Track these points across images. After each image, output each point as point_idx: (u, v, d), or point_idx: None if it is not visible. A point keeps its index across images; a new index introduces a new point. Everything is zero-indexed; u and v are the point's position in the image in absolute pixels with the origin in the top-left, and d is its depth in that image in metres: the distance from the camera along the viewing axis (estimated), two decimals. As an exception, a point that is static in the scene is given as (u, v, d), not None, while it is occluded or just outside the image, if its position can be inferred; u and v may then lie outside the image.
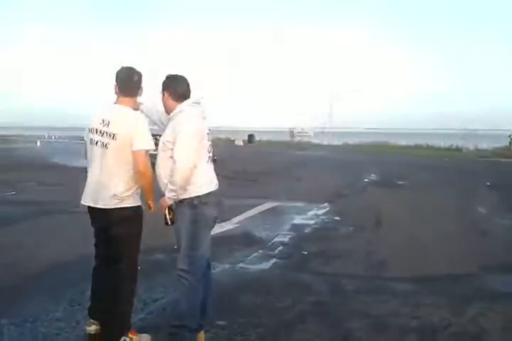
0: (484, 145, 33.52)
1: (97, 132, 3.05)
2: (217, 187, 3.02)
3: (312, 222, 7.37)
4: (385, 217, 7.76)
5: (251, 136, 41.86)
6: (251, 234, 6.27)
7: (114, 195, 2.99)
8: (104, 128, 3.02)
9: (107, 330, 3.15)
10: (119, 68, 3.15)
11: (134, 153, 2.97)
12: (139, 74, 3.16)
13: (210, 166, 3.02)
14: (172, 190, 2.86)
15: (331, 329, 3.37)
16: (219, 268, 4.74)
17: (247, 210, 7.91)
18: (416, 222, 7.40)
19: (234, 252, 5.37)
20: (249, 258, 5.17)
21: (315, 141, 39.02)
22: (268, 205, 8.54)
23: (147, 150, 3.00)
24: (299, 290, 4.14)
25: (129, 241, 3.06)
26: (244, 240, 5.94)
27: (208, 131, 3.03)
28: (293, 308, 3.73)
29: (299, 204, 8.95)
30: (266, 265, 4.94)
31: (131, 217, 3.06)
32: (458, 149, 31.70)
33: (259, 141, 42.41)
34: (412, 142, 35.41)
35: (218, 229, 6.49)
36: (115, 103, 3.15)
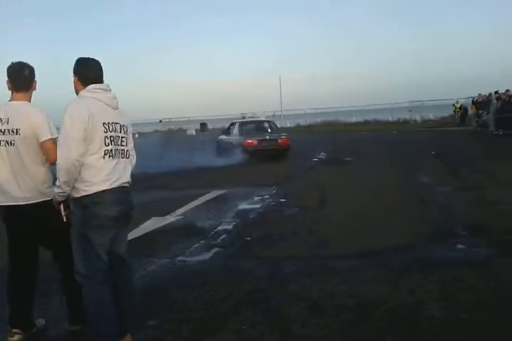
0: (431, 115, 34.47)
1: None
2: (119, 184, 2.72)
3: (258, 206, 7.25)
4: (330, 194, 7.74)
5: (203, 125, 41.20)
6: (193, 225, 6.07)
7: (36, 188, 2.93)
8: (5, 126, 2.91)
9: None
10: (9, 64, 3.05)
11: (42, 144, 2.92)
12: (30, 68, 3.07)
13: (111, 161, 2.69)
14: (57, 186, 2.63)
15: (266, 316, 3.25)
16: (156, 264, 4.55)
17: (192, 200, 7.71)
18: (359, 196, 7.42)
19: (174, 245, 5.16)
20: (190, 250, 4.98)
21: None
22: (213, 194, 8.36)
23: (54, 139, 2.91)
24: (237, 279, 4.00)
25: (66, 231, 2.84)
26: (186, 232, 5.74)
27: (115, 121, 2.73)
28: (229, 299, 3.59)
29: (246, 189, 8.80)
30: (206, 255, 4.77)
31: None
32: (405, 122, 32.47)
33: (212, 129, 42.03)
34: (361, 118, 36.01)
35: (161, 222, 6.33)
36: (10, 100, 3.04)
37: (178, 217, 6.58)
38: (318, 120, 38.44)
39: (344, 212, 6.33)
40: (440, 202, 6.72)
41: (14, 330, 3.05)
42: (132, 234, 5.61)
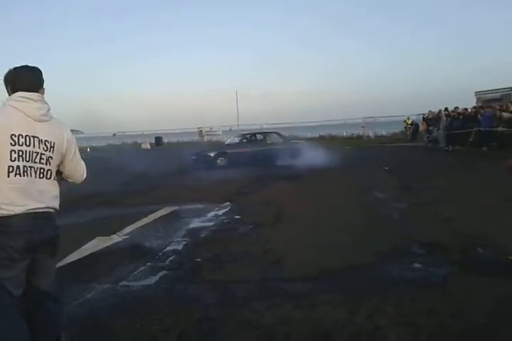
0: (383, 131, 35.33)
1: None
2: (30, 208, 2.36)
3: (211, 223, 6.94)
4: (284, 211, 7.53)
5: (158, 139, 40.74)
6: (140, 245, 5.70)
7: None
8: None
9: None
10: None
11: None
12: None
13: (19, 180, 2.34)
14: None
15: (214, 349, 2.96)
16: (96, 290, 4.16)
17: (141, 218, 7.32)
18: (314, 213, 7.25)
19: (117, 268, 4.78)
20: (134, 273, 4.62)
21: (225, 139, 38.75)
22: (164, 211, 7.98)
23: None
24: (184, 306, 3.68)
25: None
26: (132, 253, 5.36)
27: (32, 135, 2.39)
28: (174, 329, 3.27)
29: (199, 206, 8.48)
30: (152, 280, 4.41)
31: None
32: (359, 137, 33.09)
33: (167, 143, 41.40)
34: (316, 134, 36.47)
35: (105, 242, 5.91)
36: None
37: (124, 237, 6.17)
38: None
39: (299, 230, 6.13)
40: (395, 219, 6.64)
41: None
42: (72, 256, 5.23)
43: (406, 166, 13.56)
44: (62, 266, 4.86)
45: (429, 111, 23.91)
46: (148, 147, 37.39)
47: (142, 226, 6.82)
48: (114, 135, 45.17)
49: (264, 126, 42.74)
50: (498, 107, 17.27)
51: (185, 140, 43.61)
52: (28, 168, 2.37)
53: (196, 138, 41.45)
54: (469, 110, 19.58)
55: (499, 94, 21.80)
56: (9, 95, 2.51)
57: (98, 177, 7.65)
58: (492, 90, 22.89)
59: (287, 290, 3.97)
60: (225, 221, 7.11)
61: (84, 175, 2.76)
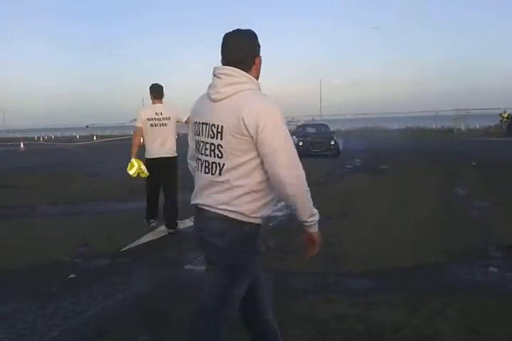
0: (476, 124, 33.14)
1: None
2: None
3: (280, 213, 6.94)
4: (357, 204, 7.35)
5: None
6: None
7: None
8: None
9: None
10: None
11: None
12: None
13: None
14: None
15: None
16: (162, 272, 4.34)
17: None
18: (389, 208, 6.99)
19: (185, 252, 4.96)
20: (200, 257, 4.71)
21: (307, 129, 38.47)
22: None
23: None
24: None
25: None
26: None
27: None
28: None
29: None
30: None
31: None
32: (449, 130, 31.32)
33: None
34: (403, 125, 35.00)
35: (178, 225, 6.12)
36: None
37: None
38: (358, 125, 37.64)
39: (368, 225, 5.95)
40: (474, 219, 6.22)
41: (151, 220, 6.03)
42: (144, 238, 5.48)
43: (496, 162, 12.64)
44: (132, 248, 5.16)
45: (529, 103, 22.01)
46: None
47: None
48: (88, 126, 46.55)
49: (348, 117, 41.91)
50: None
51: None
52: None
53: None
54: None
55: None
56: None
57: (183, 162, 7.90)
58: None
59: (346, 286, 3.88)
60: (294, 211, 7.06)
61: None
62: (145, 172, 5.81)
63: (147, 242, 5.40)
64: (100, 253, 4.96)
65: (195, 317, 2.17)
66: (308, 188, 2.00)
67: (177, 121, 5.80)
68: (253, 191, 1.98)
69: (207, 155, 2.04)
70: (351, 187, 9.11)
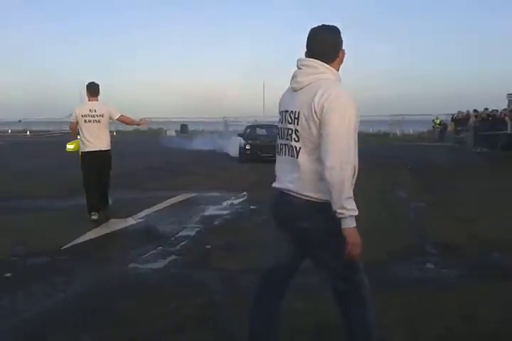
0: (411, 130, 34.72)
1: None
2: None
3: (225, 212, 6.94)
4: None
5: (184, 126, 40.98)
6: (154, 229, 5.73)
7: None
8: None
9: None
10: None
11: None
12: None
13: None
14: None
15: (213, 336, 2.95)
16: (105, 271, 4.20)
17: (158, 203, 7.37)
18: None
19: (129, 250, 4.83)
20: (145, 256, 4.64)
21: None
22: (182, 197, 8.02)
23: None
24: (189, 291, 3.68)
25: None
26: (144, 236, 5.40)
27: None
28: (176, 314, 3.28)
29: (217, 193, 8.49)
30: (161, 263, 4.43)
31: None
32: (385, 134, 32.61)
33: (192, 130, 41.61)
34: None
35: (119, 225, 5.97)
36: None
37: (139, 220, 6.22)
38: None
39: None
40: (412, 219, 6.52)
41: (92, 213, 6.17)
42: (86, 236, 5.30)
43: (430, 166, 13.30)
44: (74, 245, 4.96)
45: (459, 111, 23.37)
46: (174, 134, 37.63)
47: (158, 211, 6.87)
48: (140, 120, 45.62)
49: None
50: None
51: (210, 129, 43.74)
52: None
53: (221, 127, 41.53)
54: (499, 112, 19.07)
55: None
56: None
57: (123, 160, 7.69)
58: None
59: (295, 282, 3.92)
60: (240, 210, 7.09)
61: None
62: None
63: (88, 240, 5.21)
64: (39, 251, 4.72)
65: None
66: (350, 179, 2.04)
67: (110, 118, 6.32)
68: None
69: (287, 140, 2.19)
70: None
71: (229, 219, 6.46)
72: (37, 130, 44.55)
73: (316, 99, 2.02)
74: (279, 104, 2.32)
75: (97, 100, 6.36)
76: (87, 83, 6.36)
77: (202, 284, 3.85)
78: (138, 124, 7.19)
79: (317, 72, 2.13)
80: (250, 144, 14.80)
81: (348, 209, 2.02)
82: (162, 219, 6.30)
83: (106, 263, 4.41)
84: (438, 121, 28.22)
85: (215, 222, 6.24)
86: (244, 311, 3.30)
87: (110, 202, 6.58)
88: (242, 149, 14.94)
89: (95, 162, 6.22)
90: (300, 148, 2.12)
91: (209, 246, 4.98)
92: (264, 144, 14.54)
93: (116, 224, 5.95)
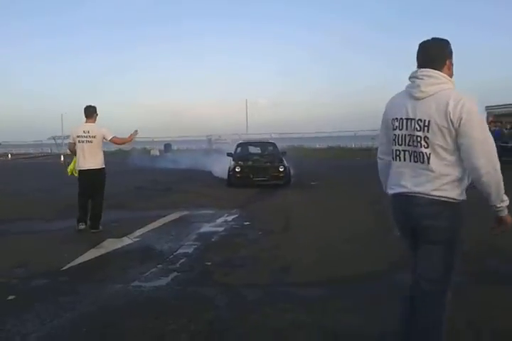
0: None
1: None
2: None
3: (220, 229, 6.98)
4: (294, 218, 7.56)
5: (167, 145, 40.90)
6: (151, 248, 5.73)
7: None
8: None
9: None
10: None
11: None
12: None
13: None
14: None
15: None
16: (108, 290, 4.19)
17: (151, 222, 7.37)
18: (325, 221, 7.27)
19: (129, 269, 4.81)
20: (146, 274, 4.64)
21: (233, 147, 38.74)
22: (174, 215, 8.03)
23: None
24: (195, 308, 3.70)
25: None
26: (143, 255, 5.39)
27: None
28: (186, 330, 3.29)
29: (209, 211, 8.53)
30: (163, 281, 4.43)
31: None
32: (367, 149, 33.04)
33: (176, 149, 41.59)
34: (324, 145, 36.50)
35: (116, 244, 5.95)
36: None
37: (135, 239, 6.21)
38: (284, 145, 38.63)
39: (308, 237, 6.15)
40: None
41: (80, 223, 6.72)
42: (83, 257, 5.28)
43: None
44: (73, 266, 4.94)
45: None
46: (157, 153, 37.54)
47: (153, 230, 6.87)
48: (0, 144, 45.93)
49: (273, 136, 42.90)
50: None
51: (194, 147, 43.78)
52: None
53: (205, 145, 41.57)
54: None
55: (511, 109, 21.69)
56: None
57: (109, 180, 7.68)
58: (503, 105, 22.78)
59: (298, 295, 3.98)
60: (235, 226, 7.14)
61: None
62: (76, 172, 6.89)
63: (87, 261, 5.18)
64: (39, 273, 4.68)
65: (415, 292, 2.50)
66: (501, 176, 2.26)
67: (104, 139, 6.81)
68: (457, 179, 2.31)
69: (415, 146, 2.33)
70: (285, 204, 9.33)
71: (225, 236, 6.50)
72: (18, 153, 44.07)
73: (451, 110, 2.22)
74: (388, 112, 2.49)
75: (93, 122, 6.89)
76: (84, 106, 6.93)
77: (208, 300, 3.87)
78: (131, 139, 7.34)
79: (439, 82, 2.33)
80: (241, 166, 12.51)
81: (505, 200, 2.31)
82: (158, 238, 6.31)
83: (108, 283, 4.39)
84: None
85: (212, 239, 6.27)
86: (252, 324, 3.37)
87: (101, 227, 6.76)
88: (231, 172, 12.53)
89: (88, 180, 6.74)
90: (430, 153, 2.30)
91: (209, 263, 5.01)
92: (258, 166, 12.61)
93: (113, 244, 5.93)
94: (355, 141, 36.92)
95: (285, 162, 12.92)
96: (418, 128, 2.32)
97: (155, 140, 47.19)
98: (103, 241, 6.06)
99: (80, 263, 5.04)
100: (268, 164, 12.70)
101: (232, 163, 12.85)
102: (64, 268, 4.85)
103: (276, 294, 4.00)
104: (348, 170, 14.85)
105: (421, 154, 2.32)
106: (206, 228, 7.03)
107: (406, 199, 2.40)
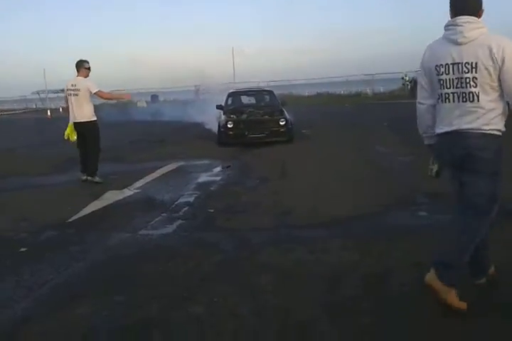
0: (381, 88, 34.96)
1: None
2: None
3: (218, 178, 7.12)
4: (289, 166, 7.70)
5: (154, 97, 40.26)
6: (153, 198, 5.87)
7: None
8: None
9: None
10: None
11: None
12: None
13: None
14: None
15: (237, 288, 3.17)
16: (117, 238, 4.36)
17: (149, 173, 7.47)
18: (319, 168, 7.42)
19: (134, 219, 4.97)
20: (151, 223, 4.81)
21: (221, 97, 38.09)
22: (172, 166, 8.13)
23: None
24: (204, 251, 3.89)
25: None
26: (145, 205, 5.55)
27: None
28: (197, 271, 3.48)
29: (205, 161, 8.64)
30: (169, 228, 4.61)
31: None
32: (357, 94, 32.83)
33: (163, 101, 40.95)
34: (313, 92, 36.12)
35: (117, 196, 6.08)
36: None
37: (135, 191, 6.35)
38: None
39: (304, 183, 6.32)
40: (397, 172, 6.82)
41: (83, 173, 6.98)
42: (87, 209, 5.41)
43: (403, 121, 13.60)
44: (79, 218, 5.08)
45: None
46: (145, 105, 37.01)
47: (152, 181, 6.99)
48: None
49: (261, 84, 42.21)
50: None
51: (182, 98, 43.12)
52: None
53: (193, 96, 40.93)
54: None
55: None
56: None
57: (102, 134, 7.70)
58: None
59: (300, 236, 4.18)
60: (232, 176, 7.27)
61: None
62: (71, 137, 7.06)
63: (91, 212, 5.32)
64: (45, 226, 4.82)
65: (463, 213, 2.73)
66: None
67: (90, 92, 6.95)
68: (502, 112, 2.60)
69: (464, 88, 2.57)
70: (279, 153, 9.44)
71: (223, 184, 6.65)
72: (2, 109, 43.20)
73: (495, 50, 2.49)
74: (430, 59, 2.71)
75: (84, 76, 7.04)
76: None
77: (215, 244, 4.06)
78: (121, 98, 7.32)
79: (479, 26, 2.59)
80: (234, 121, 10.74)
81: None
82: (158, 188, 6.44)
83: (116, 232, 4.55)
84: (407, 78, 28.51)
85: (211, 188, 6.42)
86: (259, 264, 3.56)
87: (98, 179, 6.91)
88: (222, 128, 10.76)
89: (80, 132, 7.00)
90: (479, 92, 2.56)
91: (212, 210, 5.18)
92: (254, 120, 10.85)
93: (115, 196, 6.06)
94: (343, 87, 36.50)
95: (286, 114, 10.99)
96: (466, 71, 2.56)
97: (141, 91, 46.31)
98: (104, 193, 6.18)
99: (84, 215, 5.19)
100: (266, 117, 10.93)
101: (223, 117, 11.06)
102: (69, 220, 4.99)
103: (279, 236, 4.20)
104: (338, 118, 14.91)
105: (470, 94, 2.57)
106: (204, 177, 7.17)
107: (457, 135, 2.64)
